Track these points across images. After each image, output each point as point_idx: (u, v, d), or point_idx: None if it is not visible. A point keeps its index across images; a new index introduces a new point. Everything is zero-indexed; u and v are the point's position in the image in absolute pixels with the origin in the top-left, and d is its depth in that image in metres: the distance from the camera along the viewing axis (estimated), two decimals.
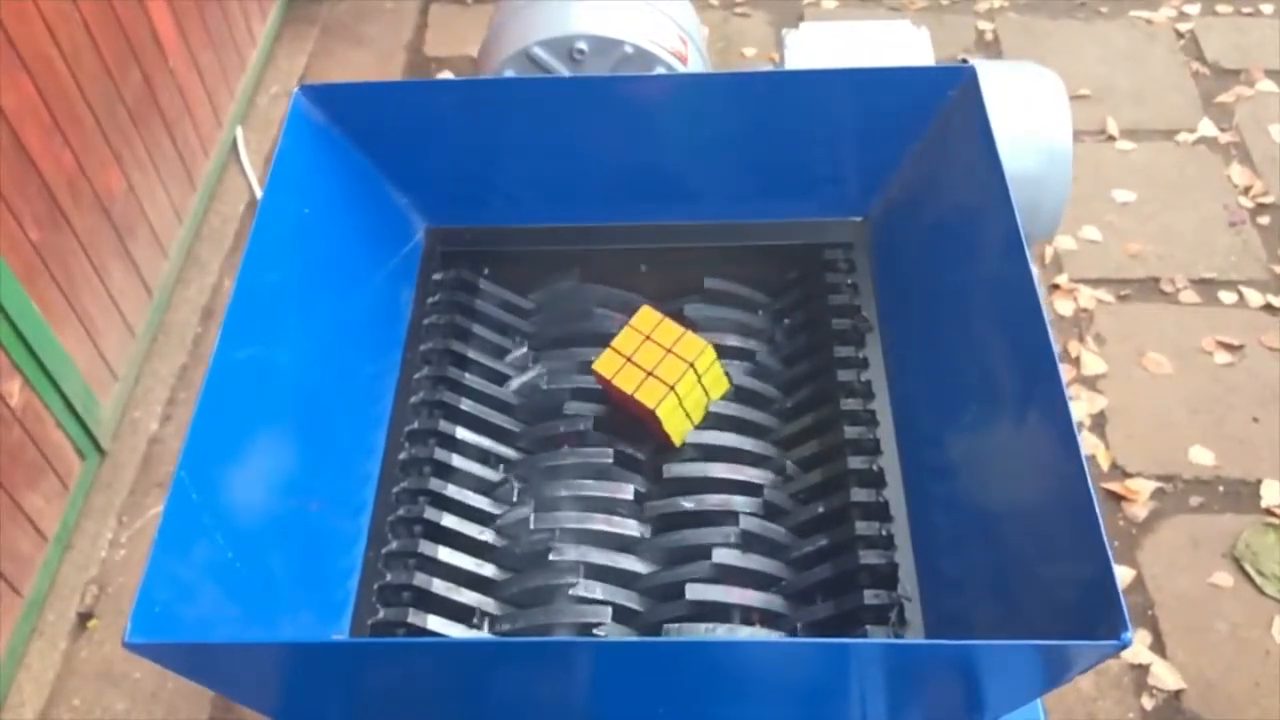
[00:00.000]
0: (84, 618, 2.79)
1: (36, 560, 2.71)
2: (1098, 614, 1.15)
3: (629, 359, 1.60)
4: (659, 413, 1.56)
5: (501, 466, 1.66)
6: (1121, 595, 1.13)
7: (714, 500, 1.57)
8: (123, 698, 2.69)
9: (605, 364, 1.61)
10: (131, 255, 3.09)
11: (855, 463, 1.57)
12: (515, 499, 1.60)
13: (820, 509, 1.56)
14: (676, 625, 1.48)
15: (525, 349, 1.79)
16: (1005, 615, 1.36)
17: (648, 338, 1.62)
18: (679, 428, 1.61)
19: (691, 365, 1.59)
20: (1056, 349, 1.33)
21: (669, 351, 1.60)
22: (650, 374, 1.58)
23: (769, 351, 1.79)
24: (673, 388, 1.57)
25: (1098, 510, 1.19)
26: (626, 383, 1.58)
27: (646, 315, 1.65)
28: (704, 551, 1.52)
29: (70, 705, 2.67)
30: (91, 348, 2.91)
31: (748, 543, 1.54)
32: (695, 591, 1.47)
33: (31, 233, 2.60)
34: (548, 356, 1.78)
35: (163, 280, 3.30)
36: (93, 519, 2.93)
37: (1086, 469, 1.22)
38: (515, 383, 1.73)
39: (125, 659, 2.68)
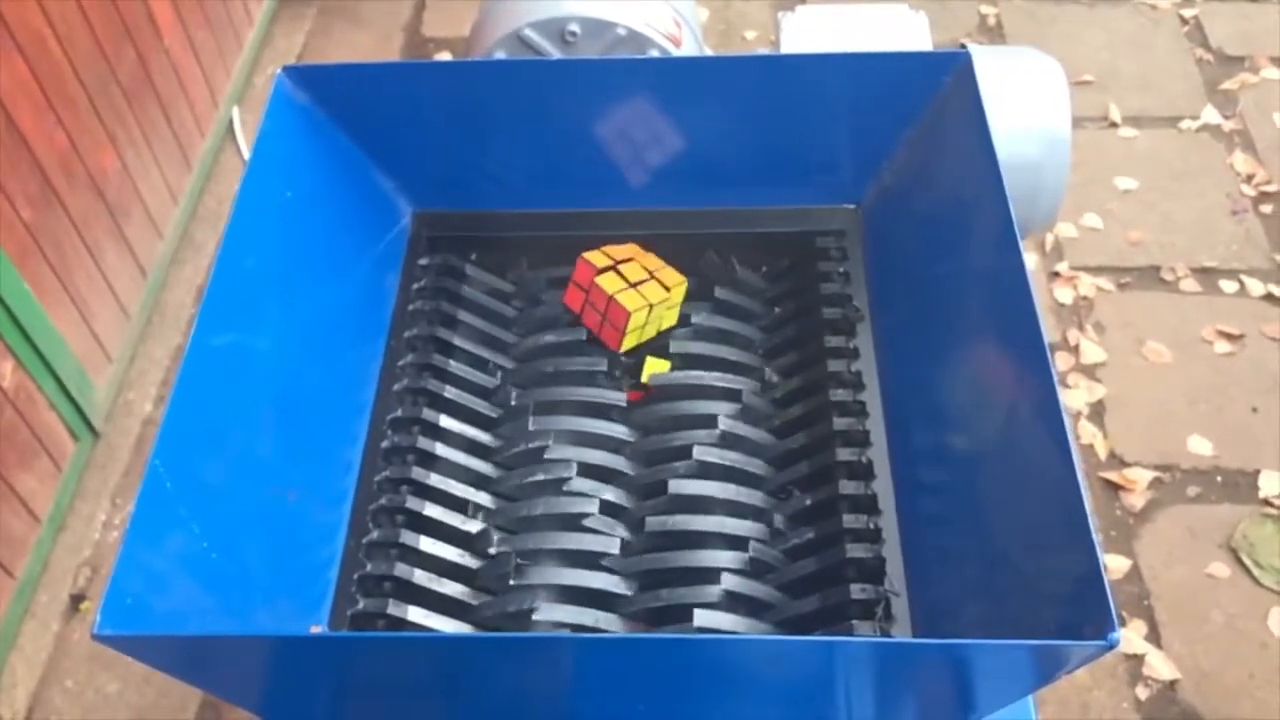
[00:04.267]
0: (76, 600, 2.79)
1: (29, 542, 2.71)
2: (1086, 614, 1.12)
3: (615, 265, 1.71)
4: (633, 317, 1.65)
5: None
6: (1110, 595, 1.10)
7: (705, 487, 1.56)
8: (115, 680, 2.68)
9: (595, 258, 1.71)
10: (125, 236, 3.08)
11: (844, 454, 1.55)
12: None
13: (807, 501, 1.54)
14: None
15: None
16: (993, 612, 1.34)
17: (632, 260, 1.74)
18: (634, 338, 1.70)
19: (668, 292, 1.70)
20: (1048, 339, 1.31)
21: (652, 275, 1.72)
22: (633, 286, 1.68)
23: (759, 341, 1.76)
24: (652, 306, 1.68)
25: (1088, 508, 1.17)
26: (610, 284, 1.67)
27: (631, 247, 1.77)
28: (697, 540, 1.51)
29: (63, 687, 2.67)
30: (85, 329, 2.90)
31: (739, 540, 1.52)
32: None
33: (24, 213, 2.59)
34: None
35: (157, 261, 3.28)
36: (86, 501, 2.92)
37: (1078, 465, 1.20)
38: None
39: None
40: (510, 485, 1.58)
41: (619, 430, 1.64)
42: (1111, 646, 1.08)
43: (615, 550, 1.51)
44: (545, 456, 1.58)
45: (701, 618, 1.42)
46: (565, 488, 1.56)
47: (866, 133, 1.71)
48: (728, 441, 1.60)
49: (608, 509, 1.56)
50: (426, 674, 1.27)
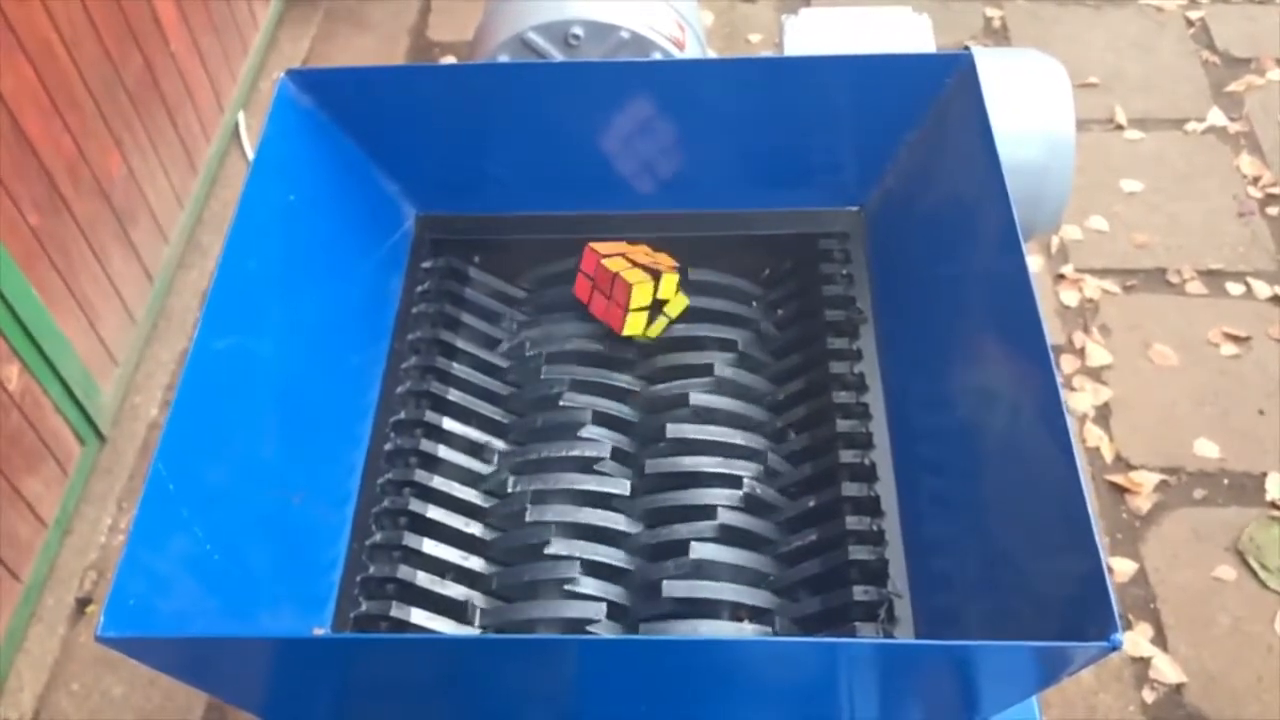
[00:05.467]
0: (83, 603, 2.79)
1: (36, 545, 2.71)
2: (1088, 615, 1.12)
3: (625, 253, 1.71)
4: (635, 291, 1.65)
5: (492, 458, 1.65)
6: (1113, 597, 1.10)
7: (701, 493, 1.56)
8: (120, 682, 2.69)
9: (602, 246, 1.72)
10: (132, 240, 3.08)
11: (847, 456, 1.55)
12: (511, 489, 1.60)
13: (811, 503, 1.54)
14: (663, 622, 1.47)
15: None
16: (996, 614, 1.34)
17: (646, 253, 1.74)
18: (636, 322, 1.69)
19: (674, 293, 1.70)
20: (1052, 341, 1.31)
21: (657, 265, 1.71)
22: (638, 265, 1.69)
23: (761, 343, 1.76)
24: (657, 281, 1.68)
25: (1090, 509, 1.17)
26: (615, 264, 1.68)
27: (642, 248, 1.77)
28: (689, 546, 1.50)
29: (69, 690, 2.68)
30: (91, 333, 2.91)
31: (734, 537, 1.52)
32: (679, 589, 1.46)
33: (31, 217, 2.59)
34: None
35: (163, 265, 3.29)
36: (92, 505, 2.93)
37: (1080, 467, 1.20)
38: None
39: None
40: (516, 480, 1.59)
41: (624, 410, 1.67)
42: (1114, 648, 1.08)
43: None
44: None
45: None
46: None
47: (869, 135, 1.71)
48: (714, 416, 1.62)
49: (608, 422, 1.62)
50: (429, 676, 1.28)
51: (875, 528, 1.48)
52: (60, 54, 2.70)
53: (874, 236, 1.77)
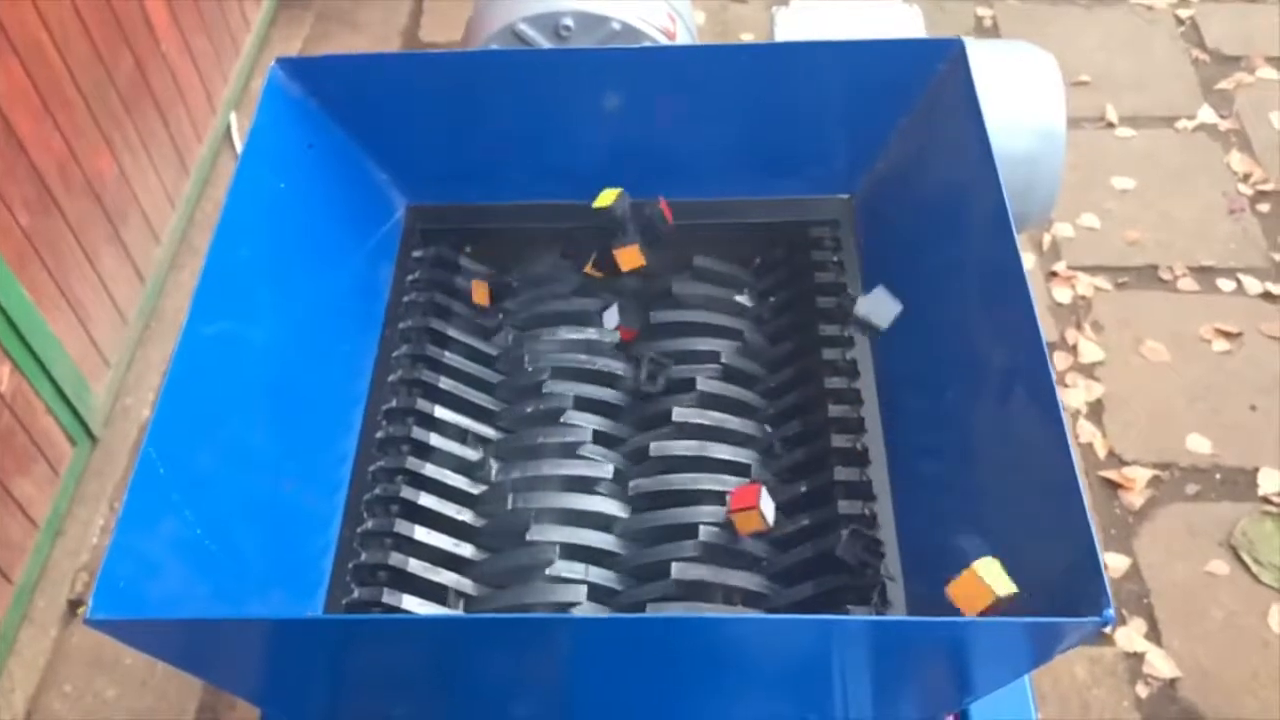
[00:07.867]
0: (75, 604, 2.78)
1: (27, 547, 2.70)
2: (1080, 592, 1.13)
3: None
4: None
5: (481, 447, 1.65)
6: (1104, 572, 1.10)
7: (698, 480, 1.55)
8: (113, 684, 2.68)
9: None
10: (123, 241, 3.07)
11: (839, 441, 1.55)
12: (494, 477, 1.59)
13: (803, 488, 1.54)
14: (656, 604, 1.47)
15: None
16: None
17: None
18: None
19: None
20: (1044, 333, 1.31)
21: None
22: None
23: (754, 329, 1.76)
24: None
25: (1081, 488, 1.17)
26: None
27: None
28: (687, 531, 1.50)
29: (61, 691, 2.66)
30: (83, 334, 2.90)
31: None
32: (677, 570, 1.45)
33: (21, 218, 2.59)
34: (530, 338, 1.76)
35: (155, 266, 3.28)
36: (84, 506, 2.91)
37: (1071, 447, 1.20)
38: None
39: (116, 645, 2.67)
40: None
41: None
42: (1106, 623, 1.08)
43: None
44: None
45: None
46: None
47: (860, 122, 1.71)
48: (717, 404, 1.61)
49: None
50: (419, 658, 1.27)
51: (868, 512, 1.48)
52: (51, 54, 2.70)
53: (865, 224, 1.77)
